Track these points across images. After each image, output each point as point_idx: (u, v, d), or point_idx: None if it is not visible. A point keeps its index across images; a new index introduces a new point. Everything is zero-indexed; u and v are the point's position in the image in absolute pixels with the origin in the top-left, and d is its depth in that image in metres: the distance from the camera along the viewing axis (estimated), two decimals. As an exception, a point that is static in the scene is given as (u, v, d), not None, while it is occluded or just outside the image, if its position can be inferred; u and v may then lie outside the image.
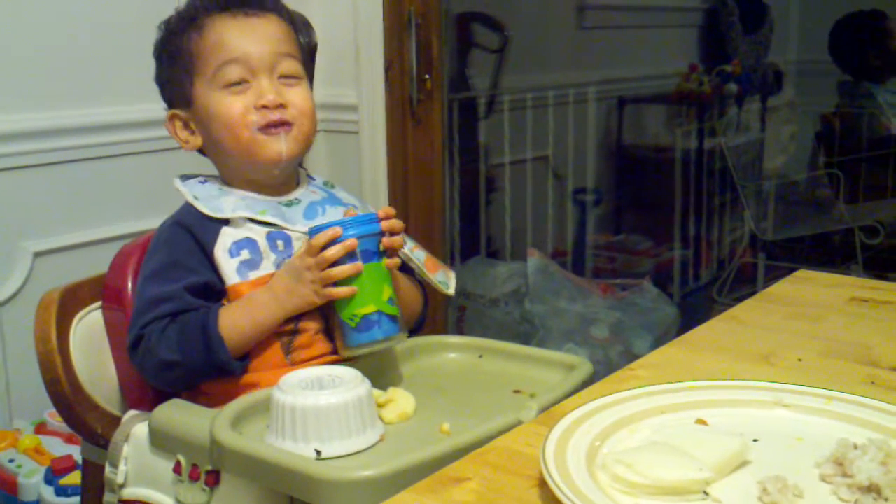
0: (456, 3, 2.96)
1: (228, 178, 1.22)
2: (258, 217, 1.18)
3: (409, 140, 2.39)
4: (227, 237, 1.16)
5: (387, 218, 1.13)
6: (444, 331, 2.54)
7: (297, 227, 1.19)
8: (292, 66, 1.20)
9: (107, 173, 2.03)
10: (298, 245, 1.18)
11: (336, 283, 1.11)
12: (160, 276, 1.14)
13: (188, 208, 1.19)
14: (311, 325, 1.16)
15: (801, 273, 1.32)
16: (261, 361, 1.14)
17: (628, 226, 3.93)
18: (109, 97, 2.02)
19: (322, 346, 1.17)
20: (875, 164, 3.79)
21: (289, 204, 1.22)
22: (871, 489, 0.68)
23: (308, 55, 1.26)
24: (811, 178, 3.79)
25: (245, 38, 1.18)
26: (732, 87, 3.92)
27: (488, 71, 3.22)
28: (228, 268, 1.15)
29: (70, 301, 1.20)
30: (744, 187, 3.49)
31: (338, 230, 1.10)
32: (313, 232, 1.12)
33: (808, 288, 1.26)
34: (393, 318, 1.13)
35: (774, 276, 3.08)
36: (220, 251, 1.15)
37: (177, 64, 1.20)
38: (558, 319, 2.79)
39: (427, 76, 2.36)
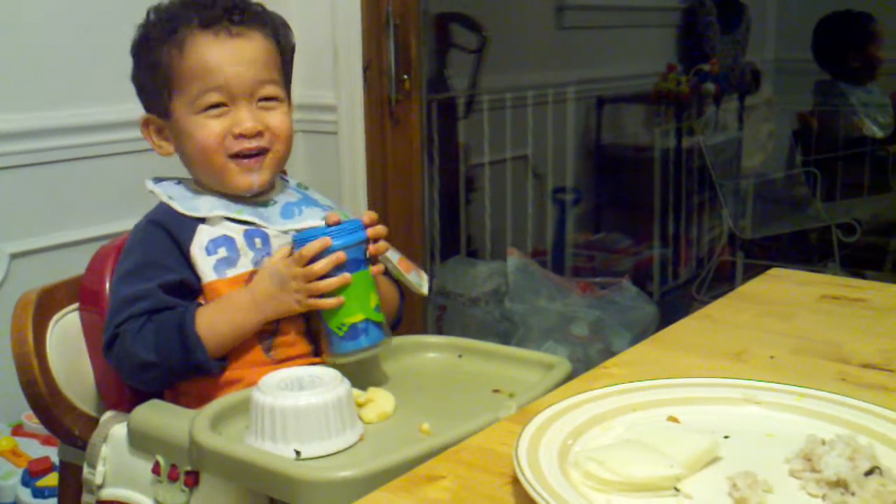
0: (434, 3, 2.97)
1: (202, 184, 1.22)
2: (235, 216, 1.18)
3: (388, 140, 2.39)
4: (203, 235, 1.16)
5: (371, 224, 1.14)
6: (423, 330, 2.55)
7: (276, 226, 1.19)
8: (273, 90, 1.19)
9: (84, 174, 2.02)
10: (278, 243, 1.18)
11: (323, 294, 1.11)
12: (135, 275, 1.14)
13: (163, 207, 1.19)
14: (292, 326, 1.16)
15: (774, 271, 1.34)
16: (242, 359, 1.14)
17: (607, 225, 3.95)
18: (86, 98, 2.01)
19: (303, 346, 1.17)
20: (852, 163, 3.82)
21: (265, 204, 1.22)
22: (839, 484, 0.69)
23: (287, 58, 1.25)
24: (789, 177, 3.82)
25: (227, 64, 1.15)
26: (710, 87, 3.95)
27: (467, 71, 3.23)
28: (205, 266, 1.15)
29: (47, 302, 1.20)
30: (722, 186, 3.52)
31: (327, 241, 1.10)
32: (299, 239, 1.12)
33: (780, 286, 1.28)
34: (379, 324, 1.14)
35: (753, 273, 3.10)
36: (197, 249, 1.15)
37: (156, 75, 1.18)
38: (538, 318, 2.80)
39: (406, 76, 2.36)
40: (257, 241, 1.17)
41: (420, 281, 1.28)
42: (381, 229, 1.15)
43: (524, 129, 3.52)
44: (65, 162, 1.99)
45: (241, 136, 1.16)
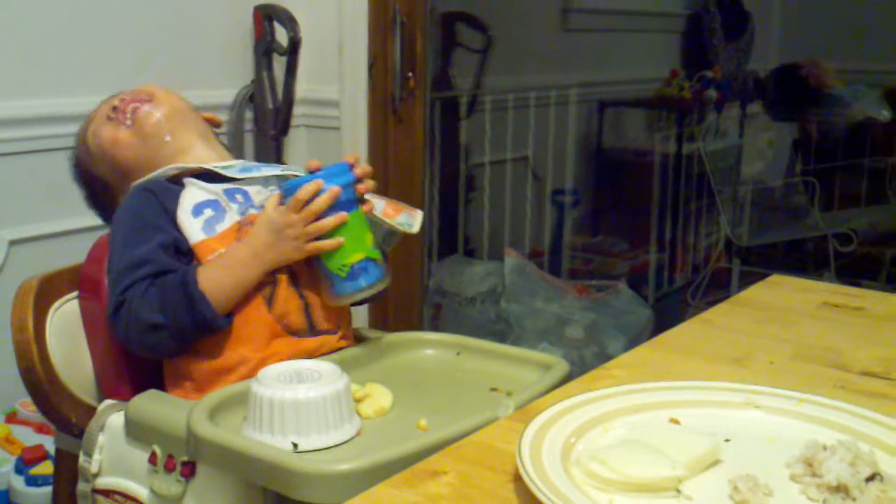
0: (441, 2, 2.97)
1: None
2: (208, 171, 1.21)
3: (391, 137, 2.39)
4: (187, 199, 1.18)
5: (356, 164, 1.15)
6: (420, 327, 2.55)
7: (235, 176, 1.21)
8: None
9: (85, 163, 2.01)
10: (259, 199, 1.19)
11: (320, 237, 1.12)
12: (132, 240, 1.15)
13: (145, 180, 1.22)
14: (284, 277, 1.17)
15: (774, 278, 1.34)
16: (247, 323, 1.15)
17: (605, 228, 3.95)
18: (86, 86, 2.00)
19: (296, 302, 1.17)
20: (850, 173, 3.83)
21: (224, 168, 1.24)
22: (840, 489, 0.69)
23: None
24: (787, 185, 3.83)
25: None
26: (712, 93, 3.96)
27: (471, 71, 3.23)
28: (193, 228, 1.17)
29: (47, 290, 1.19)
30: (720, 192, 3.52)
31: (319, 183, 1.11)
32: (288, 187, 1.13)
33: (780, 293, 1.28)
34: (377, 262, 1.15)
35: (748, 281, 3.10)
36: (183, 213, 1.17)
37: None
38: (534, 319, 2.80)
39: (410, 74, 2.36)
40: (238, 196, 1.20)
41: (410, 221, 1.26)
42: (367, 167, 1.17)
43: (525, 130, 3.52)
44: (64, 149, 1.98)
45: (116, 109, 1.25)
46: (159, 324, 1.11)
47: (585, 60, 3.85)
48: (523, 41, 3.54)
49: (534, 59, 3.62)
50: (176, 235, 1.16)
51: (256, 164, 1.29)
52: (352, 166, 1.15)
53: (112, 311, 1.13)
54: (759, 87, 4.26)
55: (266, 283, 1.16)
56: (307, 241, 1.12)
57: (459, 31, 3.18)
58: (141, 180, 1.23)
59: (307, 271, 1.18)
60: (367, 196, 1.18)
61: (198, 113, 1.31)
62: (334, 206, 1.12)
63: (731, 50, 4.35)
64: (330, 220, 1.11)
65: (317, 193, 1.11)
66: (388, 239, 1.27)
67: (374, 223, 1.21)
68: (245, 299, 1.15)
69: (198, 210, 1.17)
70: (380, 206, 1.23)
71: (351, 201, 1.13)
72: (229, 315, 1.14)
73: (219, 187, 1.20)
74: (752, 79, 4.29)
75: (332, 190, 1.11)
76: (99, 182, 1.30)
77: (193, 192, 1.19)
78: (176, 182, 1.22)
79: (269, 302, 1.16)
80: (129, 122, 1.24)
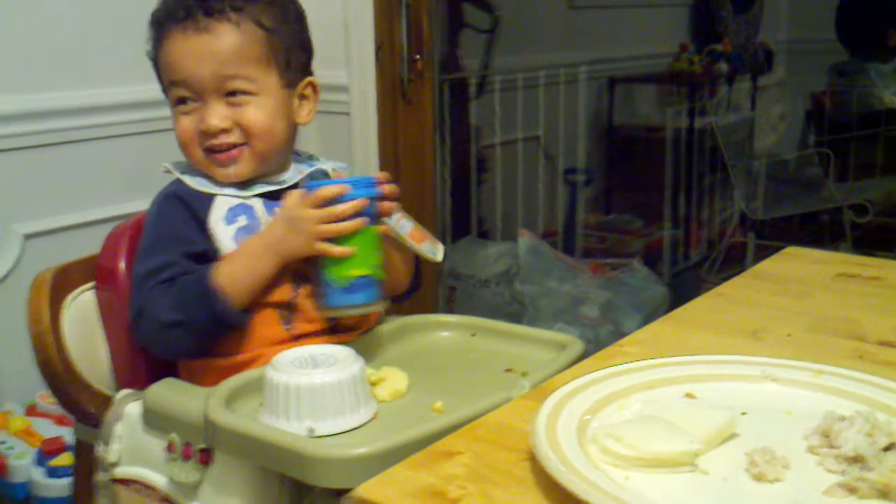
0: (446, -18, 2.96)
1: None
2: (248, 194, 1.18)
3: (400, 121, 2.39)
4: (222, 205, 1.16)
5: (385, 183, 1.13)
6: (434, 310, 2.55)
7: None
8: (242, 84, 1.15)
9: (97, 155, 2.02)
10: None
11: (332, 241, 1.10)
12: (155, 249, 1.14)
13: (178, 181, 1.19)
14: (310, 302, 1.15)
15: (789, 250, 1.33)
16: (260, 335, 1.14)
17: (618, 206, 3.94)
18: (99, 79, 2.01)
19: (322, 321, 1.17)
20: (864, 143, 3.80)
21: (279, 184, 1.21)
22: (857, 460, 0.69)
23: (282, 45, 1.21)
24: (801, 158, 3.80)
25: (188, 60, 1.14)
26: (723, 67, 3.93)
27: (479, 51, 3.22)
28: (225, 235, 1.15)
29: (62, 281, 1.20)
30: (734, 166, 3.50)
31: (347, 187, 1.09)
32: (312, 185, 1.12)
33: (795, 265, 1.27)
34: (379, 283, 1.13)
35: (764, 255, 3.10)
36: (215, 220, 1.15)
37: (154, 62, 1.21)
38: (548, 299, 2.80)
39: (418, 56, 2.35)
40: (276, 210, 1.17)
41: (434, 250, 1.26)
42: (394, 188, 1.14)
43: (536, 109, 3.51)
44: (78, 143, 1.99)
45: (206, 133, 1.15)
46: (177, 321, 1.10)
47: (593, 37, 3.83)
48: (530, 20, 3.52)
49: (542, 37, 3.60)
50: (206, 247, 1.14)
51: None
52: (379, 182, 1.13)
53: (132, 319, 1.13)
54: (769, 59, 4.23)
55: (284, 304, 1.14)
56: (318, 238, 1.10)
57: (466, 12, 3.17)
58: (172, 188, 1.19)
59: None
60: (396, 215, 1.17)
61: None
62: (353, 216, 1.11)
63: (741, 22, 4.31)
64: (347, 225, 1.09)
65: (340, 198, 1.09)
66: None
67: (398, 243, 1.21)
68: (261, 321, 1.14)
69: (231, 216, 1.15)
70: (407, 229, 1.22)
71: (371, 216, 1.11)
72: (248, 310, 1.13)
73: (258, 199, 1.18)
74: (762, 51, 4.26)
75: (359, 200, 1.10)
76: None
77: (229, 200, 1.16)
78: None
79: (288, 323, 1.15)
80: None
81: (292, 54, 1.21)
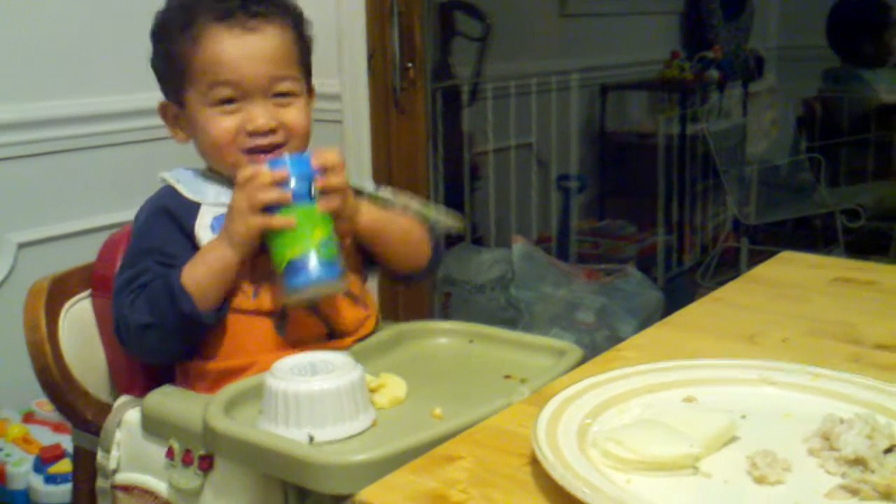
0: (437, -10, 2.97)
1: (214, 171, 1.21)
2: None
3: (393, 129, 2.39)
4: (207, 214, 1.15)
5: (325, 164, 1.11)
6: (430, 316, 2.55)
7: None
8: (288, 85, 1.16)
9: (91, 163, 2.02)
10: None
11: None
12: (135, 262, 1.14)
13: (168, 190, 1.18)
14: (300, 307, 1.15)
15: (785, 254, 1.34)
16: (256, 342, 1.14)
17: (612, 212, 3.95)
18: (94, 88, 2.01)
19: (316, 327, 1.16)
20: (856, 149, 3.82)
21: None
22: (858, 462, 0.69)
23: (307, 49, 1.23)
24: (793, 163, 3.82)
25: (241, 60, 1.13)
26: (714, 73, 3.95)
27: (471, 59, 3.23)
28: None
29: (59, 290, 1.20)
30: (726, 172, 3.52)
31: (265, 166, 1.10)
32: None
33: (791, 269, 1.28)
34: (327, 261, 1.09)
35: (757, 260, 3.11)
36: (201, 229, 1.15)
37: (172, 65, 1.18)
38: (544, 305, 2.80)
39: (410, 65, 2.36)
40: None
41: (450, 218, 1.25)
42: (330, 158, 1.11)
43: (528, 116, 3.52)
44: (71, 151, 1.99)
45: (254, 133, 1.14)
46: (149, 324, 1.09)
47: (585, 45, 3.84)
48: (522, 28, 3.53)
49: (533, 45, 3.61)
50: (188, 258, 1.13)
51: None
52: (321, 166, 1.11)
53: (115, 327, 1.13)
54: (759, 66, 4.25)
55: (275, 312, 1.14)
56: (251, 213, 1.08)
57: (457, 20, 3.18)
58: (159, 200, 1.18)
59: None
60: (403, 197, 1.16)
61: None
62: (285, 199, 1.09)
63: (731, 29, 4.34)
64: (270, 194, 1.07)
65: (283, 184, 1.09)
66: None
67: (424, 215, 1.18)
68: (255, 327, 1.13)
69: (216, 224, 1.14)
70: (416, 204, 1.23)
71: (302, 194, 1.09)
72: (221, 308, 1.12)
73: None
74: (752, 58, 4.28)
75: (278, 172, 1.08)
76: None
77: (214, 209, 1.16)
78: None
79: (282, 331, 1.15)
80: None
81: (310, 59, 1.23)
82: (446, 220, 1.24)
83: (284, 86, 1.16)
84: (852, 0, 3.86)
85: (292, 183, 1.09)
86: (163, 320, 1.09)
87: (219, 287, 1.11)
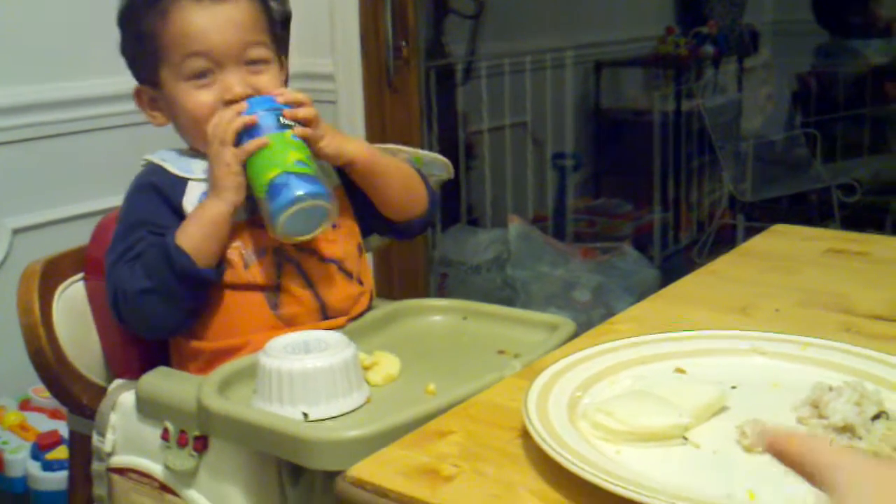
0: (430, -32, 2.95)
1: (197, 149, 1.21)
2: None
3: (387, 108, 2.38)
4: (195, 189, 1.15)
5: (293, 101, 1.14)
6: (426, 297, 2.55)
7: None
8: (261, 52, 1.17)
9: (85, 148, 2.02)
10: None
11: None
12: (125, 236, 1.13)
13: (153, 168, 1.18)
14: (293, 281, 1.15)
15: (778, 227, 1.34)
16: (250, 321, 1.14)
17: (608, 190, 3.95)
18: (85, 71, 2.00)
19: (309, 301, 1.16)
20: (851, 123, 3.82)
21: None
22: (846, 429, 0.70)
23: (281, 25, 1.24)
24: (788, 139, 3.81)
25: (210, 28, 1.14)
26: (709, 49, 3.93)
27: (465, 37, 3.21)
28: None
29: (52, 273, 1.19)
30: (722, 148, 3.51)
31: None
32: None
33: (784, 241, 1.28)
34: (308, 176, 1.10)
35: (753, 236, 3.12)
36: (190, 204, 1.14)
37: (142, 44, 1.18)
38: (540, 284, 2.81)
39: (403, 44, 2.35)
40: None
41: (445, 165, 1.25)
42: (293, 95, 1.14)
43: (523, 95, 3.51)
44: (65, 136, 1.98)
45: (231, 102, 1.14)
46: (147, 288, 1.09)
47: (579, 21, 3.83)
48: (515, 5, 3.52)
49: (527, 22, 3.59)
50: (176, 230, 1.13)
51: None
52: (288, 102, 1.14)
53: (111, 302, 1.13)
54: (754, 41, 4.23)
55: (269, 286, 1.14)
56: (226, 150, 1.10)
57: (450, -2, 3.16)
58: (146, 173, 1.19)
59: (319, 265, 1.17)
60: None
61: None
62: (255, 130, 1.11)
63: (726, 4, 4.32)
64: (239, 120, 1.10)
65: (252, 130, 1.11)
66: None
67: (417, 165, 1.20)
68: (249, 304, 1.14)
69: (204, 198, 1.14)
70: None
71: (270, 126, 1.11)
72: (220, 264, 1.12)
73: None
74: (747, 33, 4.26)
75: (238, 105, 1.11)
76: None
77: (202, 185, 1.16)
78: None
79: (275, 307, 1.15)
80: None
81: (280, 33, 1.24)
82: (437, 162, 1.24)
83: (256, 52, 1.17)
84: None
85: (258, 118, 1.11)
86: (162, 283, 1.09)
87: (213, 242, 1.11)
